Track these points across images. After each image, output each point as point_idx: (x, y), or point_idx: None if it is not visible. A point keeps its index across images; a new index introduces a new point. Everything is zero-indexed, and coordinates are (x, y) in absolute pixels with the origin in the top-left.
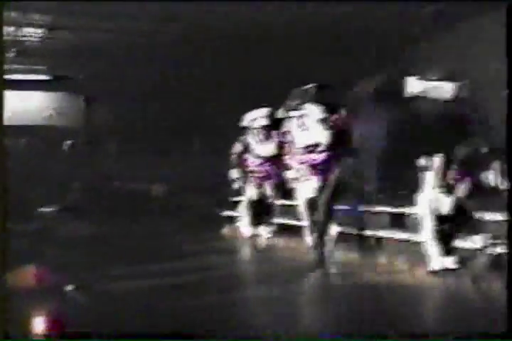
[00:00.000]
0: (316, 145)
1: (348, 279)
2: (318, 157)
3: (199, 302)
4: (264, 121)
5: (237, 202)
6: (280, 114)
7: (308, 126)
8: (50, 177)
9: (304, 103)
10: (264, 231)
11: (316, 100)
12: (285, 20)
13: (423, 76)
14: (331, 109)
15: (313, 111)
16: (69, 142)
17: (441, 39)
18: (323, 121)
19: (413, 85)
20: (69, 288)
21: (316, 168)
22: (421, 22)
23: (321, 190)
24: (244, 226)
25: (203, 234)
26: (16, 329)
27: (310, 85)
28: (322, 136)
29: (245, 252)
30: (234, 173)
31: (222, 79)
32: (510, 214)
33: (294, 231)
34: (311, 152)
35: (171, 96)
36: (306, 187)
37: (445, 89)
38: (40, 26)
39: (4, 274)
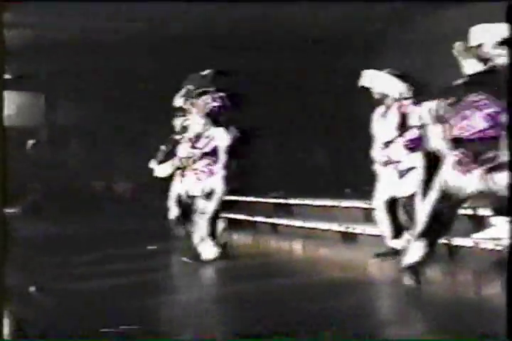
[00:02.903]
0: None
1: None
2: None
3: (159, 301)
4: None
5: None
6: (178, 101)
7: None
8: (11, 178)
9: (199, 88)
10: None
11: (213, 86)
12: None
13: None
14: None
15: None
16: (31, 142)
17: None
18: None
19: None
20: (31, 289)
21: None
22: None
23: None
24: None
25: (168, 234)
26: None
27: (207, 71)
28: None
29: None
30: None
31: (184, 75)
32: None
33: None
34: None
35: (132, 94)
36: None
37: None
38: None
39: None
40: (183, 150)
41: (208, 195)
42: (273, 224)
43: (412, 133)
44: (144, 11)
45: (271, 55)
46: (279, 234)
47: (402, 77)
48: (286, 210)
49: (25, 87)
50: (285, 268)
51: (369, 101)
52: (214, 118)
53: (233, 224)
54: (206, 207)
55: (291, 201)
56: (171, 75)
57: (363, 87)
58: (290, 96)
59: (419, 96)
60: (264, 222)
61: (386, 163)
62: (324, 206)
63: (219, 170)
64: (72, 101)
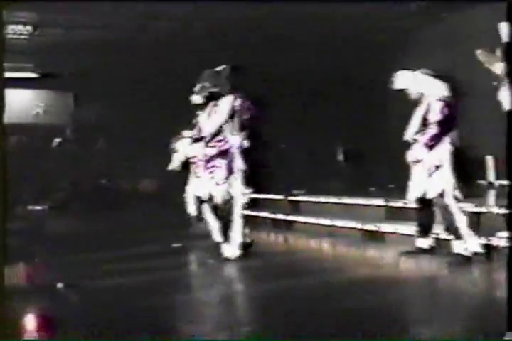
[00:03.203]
0: None
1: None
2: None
3: (188, 299)
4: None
5: None
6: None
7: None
8: (39, 176)
9: (215, 86)
10: None
11: (228, 83)
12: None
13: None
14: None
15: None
16: (58, 140)
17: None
18: None
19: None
20: (59, 285)
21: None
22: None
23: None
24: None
25: (192, 231)
26: (7, 329)
27: (222, 67)
28: None
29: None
30: None
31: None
32: (510, 209)
33: None
34: None
35: (159, 93)
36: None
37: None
38: (26, 24)
39: None
40: (198, 147)
41: (226, 194)
42: (298, 223)
43: (430, 131)
44: (168, 10)
45: (296, 54)
46: (303, 232)
47: (437, 76)
48: (310, 208)
49: (53, 85)
50: (312, 267)
51: (396, 101)
52: (233, 119)
53: (258, 223)
54: (225, 206)
55: (316, 199)
56: (196, 74)
57: (396, 87)
58: (314, 95)
59: (455, 95)
60: (289, 221)
61: (415, 162)
62: (348, 204)
63: (233, 169)
64: (100, 100)
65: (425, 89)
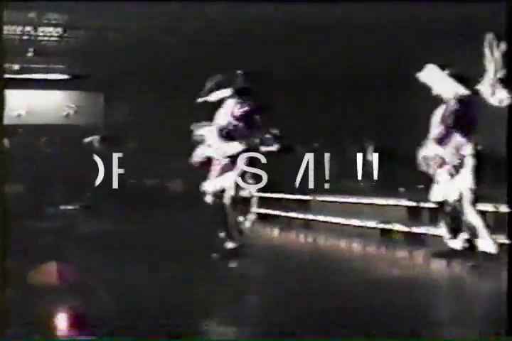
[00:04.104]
0: None
1: None
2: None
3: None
4: None
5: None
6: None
7: None
8: (70, 176)
9: (221, 88)
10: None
11: (241, 86)
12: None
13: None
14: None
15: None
16: (90, 139)
17: None
18: None
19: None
20: (91, 284)
21: None
22: None
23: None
24: None
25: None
26: (40, 327)
27: (236, 71)
28: None
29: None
30: None
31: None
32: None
33: None
34: None
35: (189, 94)
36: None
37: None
38: (57, 25)
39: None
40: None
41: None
42: (323, 222)
43: (440, 127)
44: (194, 11)
45: (327, 51)
46: (331, 232)
47: (460, 77)
48: (337, 208)
49: (83, 86)
50: (341, 266)
51: (429, 99)
52: (246, 120)
53: (284, 222)
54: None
55: (344, 199)
56: (223, 74)
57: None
58: (346, 94)
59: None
60: (314, 220)
61: (436, 163)
62: (376, 204)
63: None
64: (130, 100)
65: (445, 87)
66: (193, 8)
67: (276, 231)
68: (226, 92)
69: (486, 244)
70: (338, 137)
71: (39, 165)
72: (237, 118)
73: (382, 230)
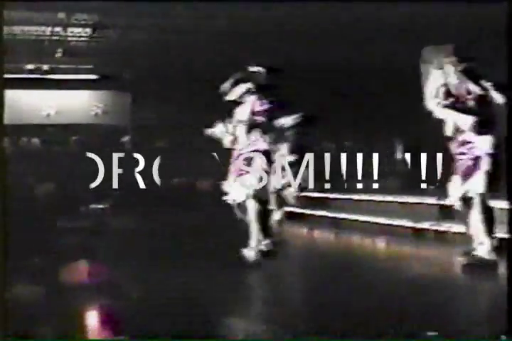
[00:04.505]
0: None
1: None
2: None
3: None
4: None
5: None
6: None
7: None
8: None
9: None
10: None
11: (263, 83)
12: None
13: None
14: None
15: None
16: (127, 138)
17: None
18: None
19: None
20: (121, 281)
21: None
22: None
23: None
24: None
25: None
26: (69, 326)
27: (257, 68)
28: None
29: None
30: None
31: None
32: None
33: None
34: None
35: (216, 93)
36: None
37: None
38: (86, 26)
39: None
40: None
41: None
42: (353, 221)
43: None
44: (222, 10)
45: (355, 50)
46: (359, 231)
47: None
48: (366, 206)
49: (111, 86)
50: (370, 265)
51: None
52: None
53: (313, 221)
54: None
55: (374, 197)
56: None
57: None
58: (374, 93)
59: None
60: (343, 218)
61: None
62: (404, 202)
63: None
64: (157, 100)
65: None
66: (220, 7)
67: (307, 230)
68: (248, 89)
69: (485, 250)
70: (367, 136)
71: (69, 164)
72: (258, 115)
73: (421, 229)
